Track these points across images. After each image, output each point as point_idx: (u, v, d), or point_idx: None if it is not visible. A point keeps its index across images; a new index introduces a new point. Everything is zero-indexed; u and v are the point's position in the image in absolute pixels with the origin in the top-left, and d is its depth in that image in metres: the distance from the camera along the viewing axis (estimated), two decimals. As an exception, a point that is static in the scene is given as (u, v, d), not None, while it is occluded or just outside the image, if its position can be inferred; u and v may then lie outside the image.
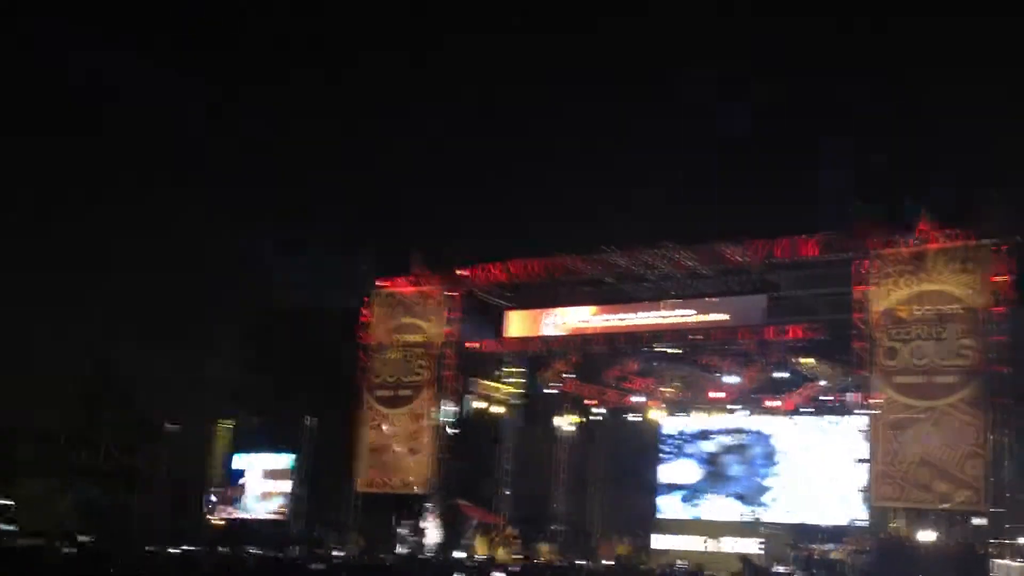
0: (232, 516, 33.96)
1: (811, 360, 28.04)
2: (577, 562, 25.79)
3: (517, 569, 23.27)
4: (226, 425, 35.36)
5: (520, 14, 52.10)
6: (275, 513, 33.64)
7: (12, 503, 29.71)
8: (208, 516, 34.02)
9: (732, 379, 30.50)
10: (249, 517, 33.73)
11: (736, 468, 33.65)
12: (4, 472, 28.87)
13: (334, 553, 28.16)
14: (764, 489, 32.85)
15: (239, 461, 34.66)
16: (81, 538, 24.86)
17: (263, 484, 34.19)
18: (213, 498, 34.42)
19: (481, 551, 28.20)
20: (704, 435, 34.33)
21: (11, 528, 26.85)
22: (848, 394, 26.82)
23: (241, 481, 34.46)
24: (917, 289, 23.73)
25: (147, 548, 23.73)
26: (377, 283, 31.55)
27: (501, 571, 22.39)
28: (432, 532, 28.54)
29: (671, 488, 34.20)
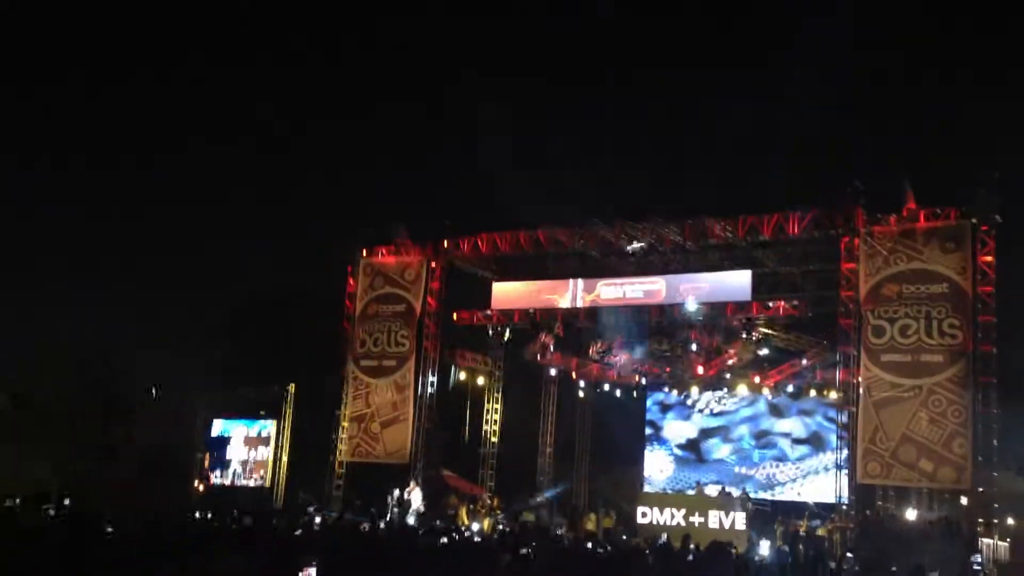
0: (214, 483, 33.90)
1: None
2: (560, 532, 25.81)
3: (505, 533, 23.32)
4: (209, 391, 35.17)
5: None
6: (257, 480, 33.61)
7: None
8: (193, 482, 33.92)
9: (717, 355, 30.56)
10: (232, 484, 33.70)
11: (721, 444, 34.12)
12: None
13: (316, 520, 28.12)
14: (750, 465, 33.30)
15: (221, 428, 34.57)
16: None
17: (246, 451, 34.13)
18: (198, 464, 34.32)
19: (464, 521, 28.22)
20: (689, 410, 34.79)
21: None
22: (834, 372, 26.87)
23: (225, 448, 34.40)
24: (904, 268, 23.84)
25: (131, 513, 23.48)
26: (361, 253, 31.34)
27: (486, 540, 22.38)
28: (415, 502, 28.51)
29: (657, 466, 34.71)
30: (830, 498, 24.90)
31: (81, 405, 29.25)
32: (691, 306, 27.35)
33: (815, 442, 32.00)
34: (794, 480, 32.44)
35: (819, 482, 30.71)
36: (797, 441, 32.72)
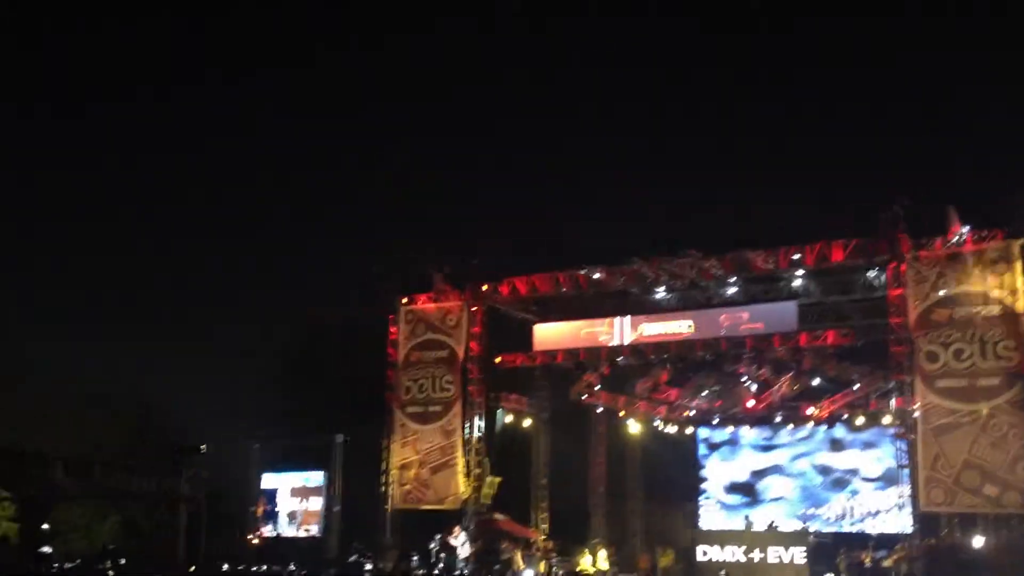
0: (267, 535, 33.87)
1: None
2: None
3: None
4: (257, 444, 35.22)
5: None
6: (309, 531, 33.56)
7: (47, 526, 29.74)
8: (247, 535, 33.87)
9: (766, 388, 30.37)
10: (284, 535, 33.66)
11: (780, 479, 33.33)
12: (41, 498, 28.85)
13: (367, 567, 28.11)
14: (815, 502, 32.64)
15: (270, 480, 34.58)
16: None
17: (295, 502, 34.13)
18: (253, 517, 34.33)
19: (519, 566, 28.05)
20: (740, 448, 34.24)
21: (47, 551, 26.83)
22: (888, 400, 26.65)
23: (274, 499, 34.40)
24: (953, 291, 23.70)
25: (191, 569, 23.69)
26: (401, 301, 31.42)
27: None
28: (460, 546, 28.41)
29: (716, 500, 34.15)
30: (893, 528, 24.50)
31: (143, 459, 29.44)
32: None
33: (874, 471, 31.31)
34: (863, 519, 31.36)
35: (880, 511, 30.13)
36: (864, 476, 31.81)
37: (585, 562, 28.67)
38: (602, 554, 29.15)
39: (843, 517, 31.75)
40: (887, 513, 29.91)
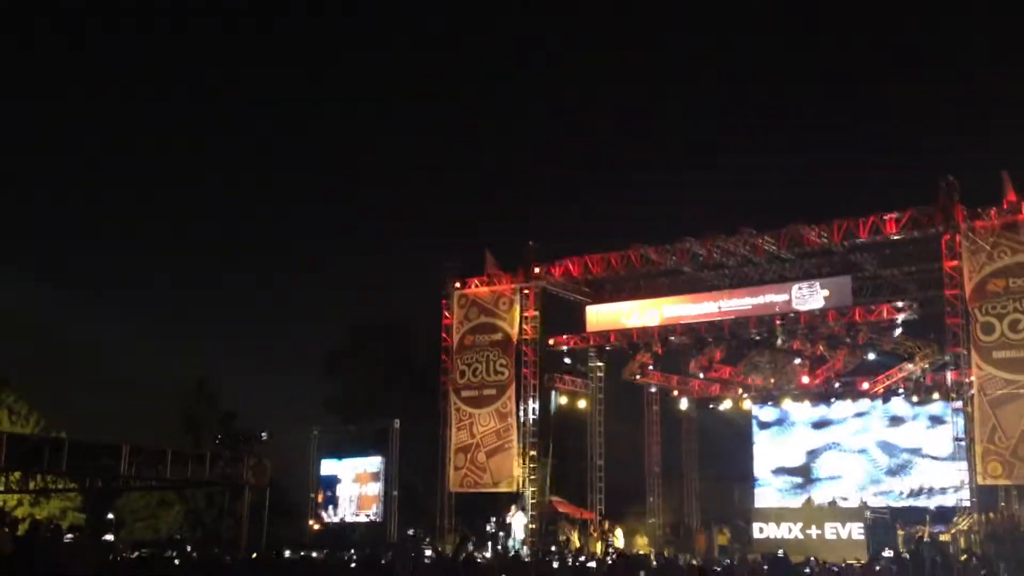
0: (327, 520, 34.34)
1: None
2: (677, 554, 25.64)
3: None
4: (316, 430, 35.67)
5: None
6: (369, 516, 33.95)
7: (112, 516, 30.53)
8: (309, 521, 34.36)
9: (820, 364, 30.04)
10: (345, 521, 34.10)
11: (837, 455, 32.76)
12: (108, 487, 29.56)
13: (426, 553, 28.34)
14: (866, 475, 32.06)
15: (329, 466, 35.01)
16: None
17: (355, 488, 34.51)
18: (313, 503, 34.82)
19: (577, 546, 28.17)
20: (794, 425, 33.68)
21: (109, 539, 27.49)
22: (944, 373, 26.22)
23: (333, 485, 34.84)
24: (1009, 261, 23.29)
25: (253, 555, 24.12)
26: (452, 285, 31.59)
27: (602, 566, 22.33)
28: (517, 527, 28.56)
29: (771, 479, 33.75)
30: (950, 502, 24.14)
31: (206, 449, 30.06)
32: None
33: (930, 445, 30.67)
34: (923, 494, 30.51)
35: (937, 485, 29.62)
36: (926, 452, 31.04)
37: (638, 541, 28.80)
38: (618, 532, 29.26)
39: (902, 493, 31.20)
40: (951, 490, 29.50)
